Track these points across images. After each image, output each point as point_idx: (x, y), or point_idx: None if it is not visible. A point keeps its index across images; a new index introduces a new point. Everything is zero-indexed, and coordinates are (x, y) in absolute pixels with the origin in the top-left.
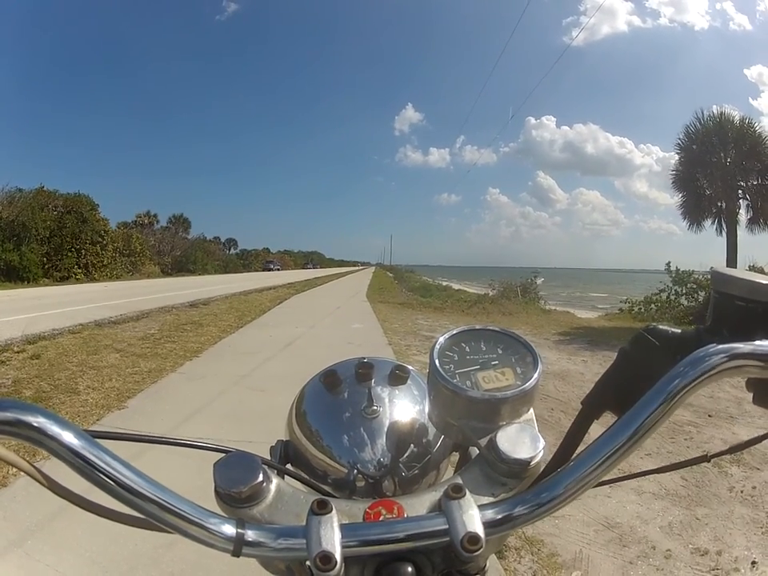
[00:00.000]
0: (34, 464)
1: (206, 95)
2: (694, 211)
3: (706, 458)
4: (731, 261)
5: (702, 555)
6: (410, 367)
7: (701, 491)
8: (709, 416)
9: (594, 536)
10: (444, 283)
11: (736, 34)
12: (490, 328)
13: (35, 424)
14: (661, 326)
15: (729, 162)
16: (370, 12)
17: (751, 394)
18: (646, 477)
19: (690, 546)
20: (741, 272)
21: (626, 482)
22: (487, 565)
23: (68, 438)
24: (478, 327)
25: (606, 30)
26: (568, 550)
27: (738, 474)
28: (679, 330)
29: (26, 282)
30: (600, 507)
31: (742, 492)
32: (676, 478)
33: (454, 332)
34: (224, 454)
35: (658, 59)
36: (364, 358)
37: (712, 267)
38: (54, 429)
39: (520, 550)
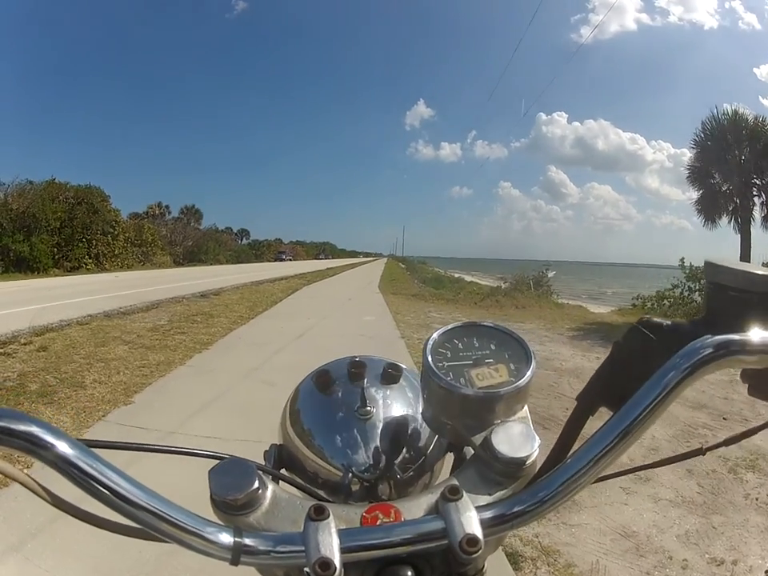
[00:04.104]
0: (30, 475)
1: (218, 89)
2: (710, 208)
3: (701, 452)
4: (745, 258)
5: (719, 565)
6: (403, 365)
7: (717, 499)
8: (723, 419)
9: (611, 545)
10: (456, 275)
11: (745, 33)
12: (483, 323)
13: (28, 433)
14: (655, 319)
15: (743, 160)
16: (380, 10)
17: (746, 385)
18: (664, 485)
19: (707, 555)
20: (734, 262)
21: (643, 489)
22: (485, 565)
23: (62, 447)
24: (469, 323)
25: (615, 27)
26: (584, 560)
27: (753, 480)
28: (674, 323)
29: (36, 273)
30: (616, 515)
31: (757, 499)
32: (692, 485)
33: (447, 328)
34: (219, 461)
35: (667, 57)
36: (356, 357)
37: (705, 258)
38: (47, 438)
39: (536, 561)
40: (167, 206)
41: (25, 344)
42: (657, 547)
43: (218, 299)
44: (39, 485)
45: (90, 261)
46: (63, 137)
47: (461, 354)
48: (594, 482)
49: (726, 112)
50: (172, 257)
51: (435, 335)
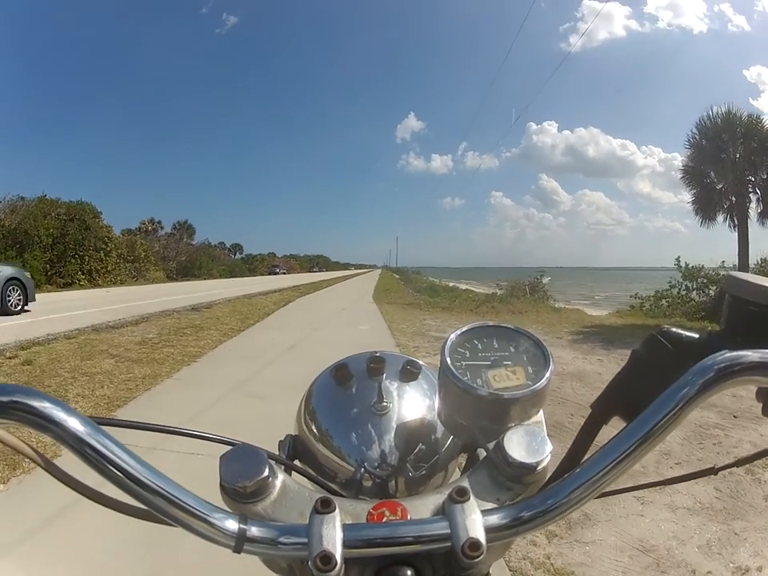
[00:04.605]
0: (37, 450)
1: (209, 105)
2: (706, 207)
3: (713, 471)
4: (743, 255)
5: (744, 573)
6: (422, 363)
7: (736, 502)
8: (734, 417)
9: (630, 562)
10: (451, 284)
11: (735, 35)
12: (503, 325)
13: (40, 409)
14: (674, 329)
15: (738, 158)
16: (370, 23)
17: (761, 405)
18: (680, 491)
19: (731, 564)
20: (756, 277)
21: (659, 497)
22: (490, 571)
23: (73, 424)
24: (490, 324)
25: (604, 35)
26: None
27: None
28: (692, 334)
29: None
30: (633, 528)
31: None
32: (710, 490)
33: (466, 328)
34: (230, 447)
35: (657, 62)
36: (376, 352)
37: (727, 272)
38: (59, 415)
39: None
40: (159, 222)
41: (10, 358)
42: (678, 561)
43: (210, 312)
44: (45, 459)
45: (83, 277)
46: (53, 153)
47: (479, 354)
48: (602, 496)
49: (720, 111)
50: (165, 272)
51: (453, 335)
